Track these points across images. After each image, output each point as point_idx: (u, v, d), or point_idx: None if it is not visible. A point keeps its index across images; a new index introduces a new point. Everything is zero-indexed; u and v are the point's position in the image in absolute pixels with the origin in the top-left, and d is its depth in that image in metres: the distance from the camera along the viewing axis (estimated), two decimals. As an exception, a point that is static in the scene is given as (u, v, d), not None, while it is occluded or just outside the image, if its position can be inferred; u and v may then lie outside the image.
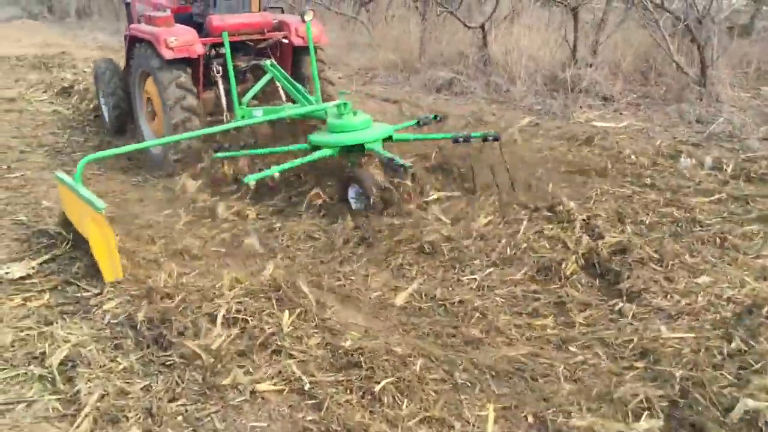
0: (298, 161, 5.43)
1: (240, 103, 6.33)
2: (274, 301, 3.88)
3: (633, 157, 6.57)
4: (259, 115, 6.17)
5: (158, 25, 6.38)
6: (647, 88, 9.69)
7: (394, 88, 11.00)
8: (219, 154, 6.01)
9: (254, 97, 6.69)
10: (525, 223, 4.83)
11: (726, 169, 6.26)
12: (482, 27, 10.96)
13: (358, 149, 5.50)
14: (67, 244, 4.72)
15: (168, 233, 5.09)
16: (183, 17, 6.94)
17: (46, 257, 4.66)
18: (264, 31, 6.86)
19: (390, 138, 5.69)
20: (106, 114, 8.16)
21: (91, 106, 9.31)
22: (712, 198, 5.55)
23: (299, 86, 6.42)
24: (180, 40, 6.15)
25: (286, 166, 5.33)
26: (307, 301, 3.89)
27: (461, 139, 5.68)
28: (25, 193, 6.10)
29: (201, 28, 6.68)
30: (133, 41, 6.93)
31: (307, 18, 6.54)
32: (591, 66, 9.82)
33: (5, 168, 6.87)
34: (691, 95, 8.74)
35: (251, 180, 5.19)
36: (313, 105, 6.10)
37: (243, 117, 6.24)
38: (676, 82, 9.33)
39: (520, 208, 5.15)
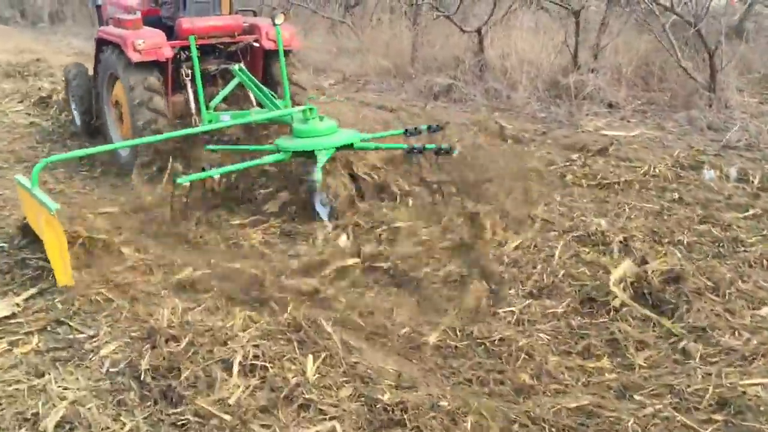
0: (245, 164, 5.36)
1: (207, 108, 6.27)
2: (295, 343, 3.46)
3: (654, 168, 6.23)
4: (227, 119, 6.18)
5: (126, 28, 6.30)
6: (651, 94, 9.40)
7: (389, 96, 10.60)
8: (210, 147, 5.97)
9: (224, 101, 6.64)
10: (559, 246, 4.45)
11: (753, 182, 5.97)
12: (479, 31, 10.60)
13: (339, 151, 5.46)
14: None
15: (164, 260, 4.64)
16: (153, 20, 6.84)
17: (32, 291, 4.19)
18: (234, 35, 6.75)
19: (351, 146, 5.57)
20: (77, 118, 8.08)
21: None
22: (747, 214, 5.25)
23: (266, 91, 6.39)
24: (148, 43, 6.09)
25: (228, 168, 5.30)
26: (332, 342, 3.47)
27: (416, 150, 5.68)
28: (4, 216, 5.59)
29: (171, 31, 6.58)
30: (101, 44, 6.84)
31: (277, 21, 6.41)
32: (593, 71, 9.51)
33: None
34: (700, 101, 8.45)
35: (185, 181, 5.05)
36: (279, 110, 6.08)
37: (210, 122, 6.17)
38: (681, 87, 9.05)
39: (549, 228, 4.78)
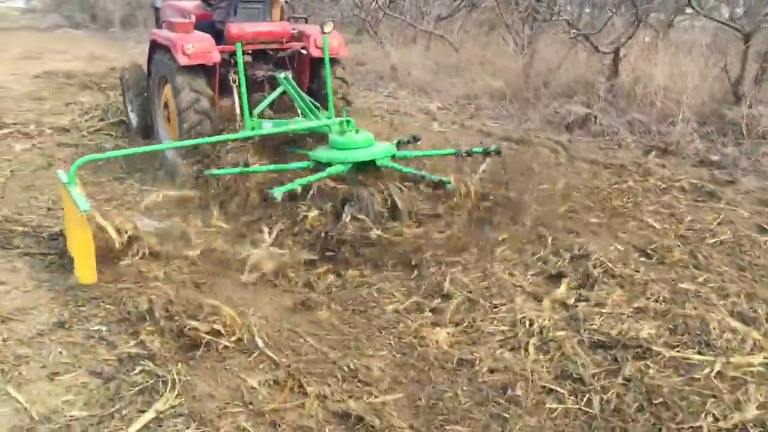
0: (315, 176, 5.32)
1: (251, 114, 6.29)
2: None
3: None
4: (269, 127, 6.20)
5: (177, 31, 6.34)
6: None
7: (509, 123, 9.28)
8: (210, 172, 5.65)
9: (272, 107, 6.67)
10: None
11: None
12: (616, 52, 9.22)
13: (367, 166, 5.48)
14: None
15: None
16: (206, 24, 6.87)
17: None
18: (282, 41, 6.83)
19: (393, 156, 5.68)
20: (132, 118, 8.22)
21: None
22: None
23: (308, 101, 6.37)
24: (196, 47, 6.16)
25: (310, 179, 5.25)
26: None
27: (465, 154, 5.90)
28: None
29: (221, 36, 6.65)
30: (153, 47, 6.95)
31: (326, 29, 6.56)
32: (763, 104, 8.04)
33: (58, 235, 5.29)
34: None
35: (279, 193, 4.93)
36: (318, 121, 6.11)
37: (252, 128, 6.19)
38: None
39: None
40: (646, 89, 8.91)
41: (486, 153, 5.95)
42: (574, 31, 9.78)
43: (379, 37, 14.73)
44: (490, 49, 13.12)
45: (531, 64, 10.94)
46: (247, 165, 5.59)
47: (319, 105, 6.51)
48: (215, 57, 6.28)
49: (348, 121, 5.55)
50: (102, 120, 9.24)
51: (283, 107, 6.88)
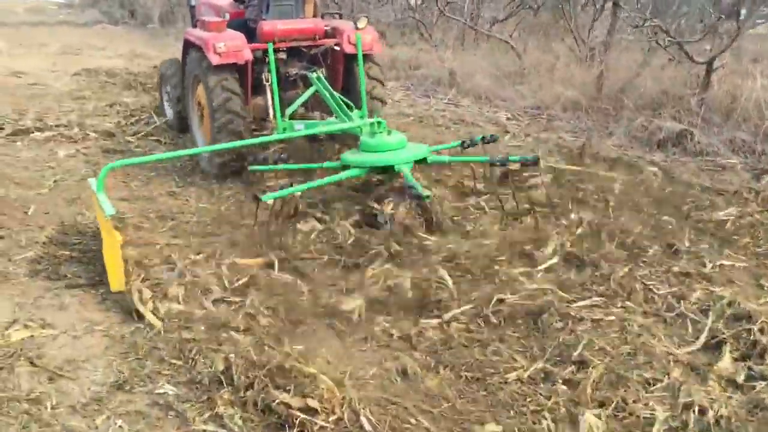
0: (325, 180, 5.31)
1: (283, 114, 6.21)
2: None
3: None
4: (301, 128, 6.16)
5: (210, 30, 6.29)
6: None
7: (590, 138, 8.46)
8: (254, 167, 5.83)
9: (304, 106, 6.61)
10: None
11: None
12: (710, 62, 8.37)
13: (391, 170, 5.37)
14: None
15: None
16: (240, 22, 6.88)
17: None
18: (315, 38, 6.72)
19: (425, 160, 5.55)
20: (168, 113, 8.20)
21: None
22: None
23: (340, 100, 6.22)
24: (228, 45, 6.08)
25: (309, 185, 5.09)
26: None
27: (498, 163, 5.62)
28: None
29: (254, 33, 6.59)
30: (187, 46, 6.87)
31: (360, 25, 6.52)
32: None
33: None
34: None
35: (268, 199, 4.70)
36: (349, 122, 5.97)
37: (284, 130, 6.14)
38: None
39: None
40: (744, 104, 8.03)
41: (524, 163, 5.54)
42: (669, 38, 8.88)
43: (433, 40, 13.96)
44: (551, 54, 12.27)
45: (604, 73, 10.10)
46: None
47: (352, 104, 6.38)
48: (247, 55, 6.17)
49: (379, 122, 5.40)
50: (147, 124, 8.64)
51: (316, 106, 6.77)
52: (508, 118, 9.42)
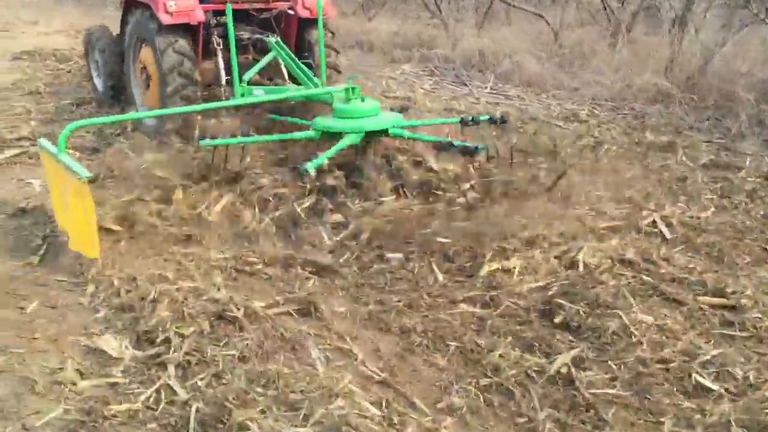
0: (336, 147, 5.01)
1: (240, 80, 5.85)
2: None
3: None
4: (260, 94, 5.82)
5: None
6: None
7: (698, 137, 6.89)
8: (206, 141, 4.97)
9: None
10: None
11: None
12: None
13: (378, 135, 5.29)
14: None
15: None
16: None
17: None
18: (269, 1, 6.52)
19: (386, 131, 5.30)
20: (99, 83, 7.71)
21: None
22: None
23: (305, 68, 6.07)
24: (179, 4, 5.82)
25: (332, 151, 4.96)
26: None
27: (471, 122, 5.44)
28: None
29: None
30: (129, 6, 6.63)
31: None
32: None
33: None
34: None
35: (312, 168, 4.69)
36: (318, 88, 5.79)
37: (243, 95, 5.79)
38: None
39: None
40: None
41: (493, 122, 5.49)
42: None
43: (443, 14, 12.08)
44: (591, 33, 10.67)
45: (679, 53, 8.56)
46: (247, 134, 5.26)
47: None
48: (199, 16, 5.90)
49: (353, 89, 5.23)
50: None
51: (263, 72, 6.35)
52: (588, 114, 7.71)
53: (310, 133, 5.24)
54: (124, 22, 6.82)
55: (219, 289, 3.73)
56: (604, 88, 8.49)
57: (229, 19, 5.71)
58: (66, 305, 3.68)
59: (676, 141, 6.68)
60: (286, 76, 6.33)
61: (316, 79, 6.00)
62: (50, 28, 14.33)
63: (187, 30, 5.99)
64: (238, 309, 3.50)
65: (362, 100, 5.29)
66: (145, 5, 6.12)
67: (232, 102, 5.48)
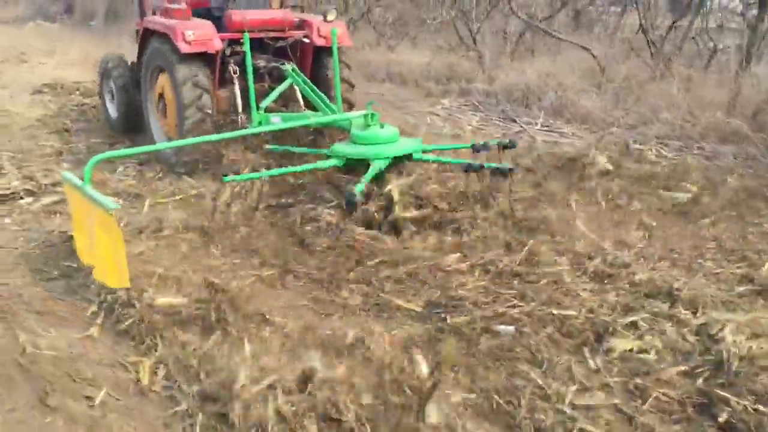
0: (294, 168, 5.23)
1: (258, 108, 5.89)
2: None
3: None
4: (277, 121, 5.80)
5: (175, 18, 6.10)
6: None
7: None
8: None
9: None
10: None
11: None
12: None
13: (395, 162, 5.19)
14: None
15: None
16: (200, 12, 6.59)
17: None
18: (285, 29, 6.58)
19: (410, 156, 5.27)
20: (112, 112, 7.65)
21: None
22: None
23: (322, 94, 6.10)
24: (198, 33, 5.91)
25: (278, 171, 5.15)
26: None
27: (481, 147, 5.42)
28: None
29: (219, 23, 6.33)
30: (146, 34, 6.64)
31: (329, 17, 6.46)
32: None
33: None
34: None
35: (229, 180, 4.79)
36: (336, 114, 5.81)
37: (260, 123, 5.86)
38: None
39: None
40: None
41: (503, 147, 5.46)
42: None
43: (478, 48, 11.65)
44: (635, 66, 10.26)
45: (741, 88, 8.14)
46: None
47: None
48: (217, 45, 6.00)
49: (372, 115, 5.20)
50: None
51: (280, 100, 6.41)
52: (657, 155, 7.21)
53: (335, 161, 5.19)
54: (141, 51, 6.85)
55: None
56: (665, 124, 8.00)
57: (246, 47, 5.79)
58: (138, 391, 3.14)
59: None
60: (302, 103, 6.45)
61: (333, 106, 6.01)
62: (67, 59, 13.91)
63: (204, 58, 6.06)
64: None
65: (381, 126, 5.24)
66: (163, 34, 6.16)
67: (250, 130, 5.54)
